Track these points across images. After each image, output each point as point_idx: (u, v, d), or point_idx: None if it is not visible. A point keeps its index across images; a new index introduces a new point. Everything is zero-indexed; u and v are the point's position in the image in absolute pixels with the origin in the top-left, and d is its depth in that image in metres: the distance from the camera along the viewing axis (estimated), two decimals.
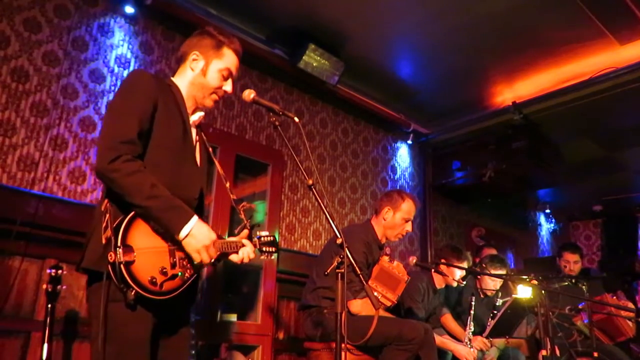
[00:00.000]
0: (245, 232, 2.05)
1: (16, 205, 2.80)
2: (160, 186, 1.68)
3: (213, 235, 1.77)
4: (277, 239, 2.23)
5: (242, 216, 2.07)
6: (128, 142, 1.66)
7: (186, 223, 1.69)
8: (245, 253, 1.99)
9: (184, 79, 1.98)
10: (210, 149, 2.11)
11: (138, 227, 1.67)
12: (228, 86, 2.02)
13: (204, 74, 1.97)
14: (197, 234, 1.71)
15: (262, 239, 2.15)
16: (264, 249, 2.14)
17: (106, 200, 1.70)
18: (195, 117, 2.00)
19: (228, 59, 2.01)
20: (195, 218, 1.72)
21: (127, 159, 1.64)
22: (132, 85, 1.81)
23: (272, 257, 2.18)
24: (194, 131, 1.99)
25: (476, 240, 5.78)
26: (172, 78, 2.00)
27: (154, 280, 1.63)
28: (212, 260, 1.82)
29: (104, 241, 1.63)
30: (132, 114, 1.71)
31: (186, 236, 1.69)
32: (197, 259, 1.74)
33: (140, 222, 1.68)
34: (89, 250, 1.72)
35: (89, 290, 1.74)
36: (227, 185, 2.11)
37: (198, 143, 2.01)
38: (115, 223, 1.63)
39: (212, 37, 2.01)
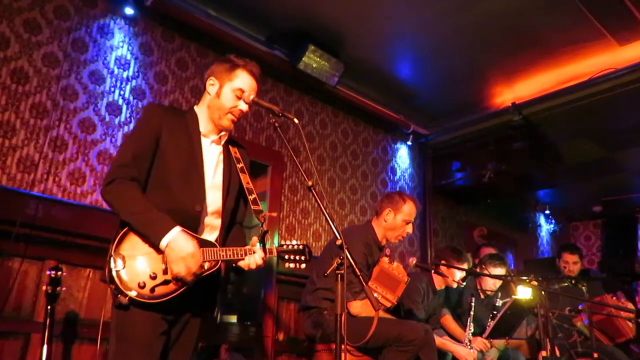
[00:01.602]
0: (255, 239, 2.07)
1: (16, 207, 2.80)
2: (144, 203, 1.84)
3: (190, 249, 1.81)
4: (309, 249, 2.16)
5: (264, 224, 2.11)
6: (122, 166, 1.88)
7: (166, 234, 1.79)
8: (252, 260, 2.01)
9: (203, 104, 2.13)
10: (242, 165, 2.18)
11: (132, 238, 1.83)
12: (243, 105, 2.10)
13: (218, 96, 2.09)
14: (175, 246, 1.79)
15: (286, 247, 2.13)
16: (285, 257, 2.11)
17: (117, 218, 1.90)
18: (215, 137, 2.11)
19: (241, 79, 2.10)
20: (176, 230, 1.81)
21: (120, 181, 1.85)
22: (140, 120, 2.08)
23: (302, 266, 2.13)
24: (216, 150, 2.11)
25: (478, 240, 5.77)
26: (194, 107, 2.16)
27: (143, 284, 1.76)
28: (196, 275, 1.86)
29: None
30: (131, 143, 1.97)
31: (166, 246, 1.79)
32: (174, 270, 1.79)
33: (134, 233, 1.85)
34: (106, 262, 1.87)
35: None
36: (252, 197, 2.15)
37: (221, 162, 2.12)
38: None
39: (228, 61, 2.13)
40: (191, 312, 1.99)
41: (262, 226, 2.09)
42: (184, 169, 1.98)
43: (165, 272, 1.81)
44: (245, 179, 2.17)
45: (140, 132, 1.99)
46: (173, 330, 1.94)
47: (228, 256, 1.98)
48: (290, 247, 2.12)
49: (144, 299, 1.76)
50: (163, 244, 1.79)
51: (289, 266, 2.11)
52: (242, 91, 2.08)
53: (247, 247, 2.03)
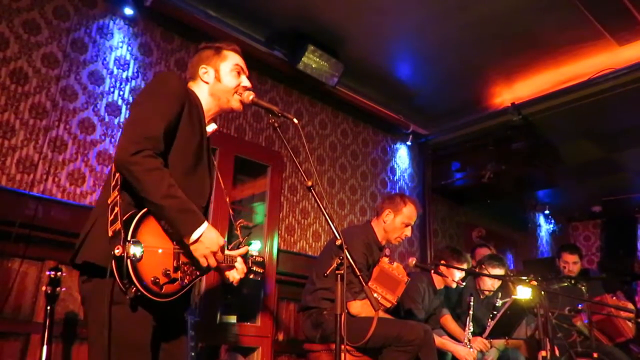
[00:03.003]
0: (246, 249, 2.04)
1: (15, 207, 2.80)
2: (177, 187, 1.66)
3: (221, 241, 1.77)
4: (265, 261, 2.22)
5: (238, 232, 2.07)
6: (152, 139, 1.64)
7: (197, 228, 1.68)
8: (236, 275, 2.00)
9: (203, 93, 2.00)
10: (216, 163, 2.13)
11: (148, 225, 1.65)
12: (245, 82, 2.06)
13: (218, 80, 2.01)
14: (205, 240, 1.69)
15: (254, 258, 2.14)
16: (253, 268, 2.13)
17: (116, 194, 1.66)
18: (210, 129, 2.03)
19: (232, 57, 2.07)
20: (206, 223, 1.71)
21: (148, 154, 1.61)
22: (164, 84, 1.83)
23: (258, 278, 2.16)
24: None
25: (476, 241, 5.78)
26: (191, 87, 2.01)
27: (157, 280, 1.60)
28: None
29: (110, 234, 1.59)
30: (161, 112, 1.72)
31: (195, 241, 1.68)
32: (203, 263, 1.74)
33: (151, 220, 1.67)
34: (90, 244, 1.68)
35: (86, 288, 1.69)
36: (227, 199, 2.15)
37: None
38: (126, 217, 1.61)
39: (209, 47, 2.08)
40: (178, 314, 1.92)
41: (246, 235, 2.07)
42: (195, 156, 1.86)
43: (175, 270, 1.69)
44: (221, 180, 2.15)
45: (168, 102, 1.76)
46: (162, 333, 1.79)
47: (226, 261, 1.93)
48: (256, 259, 2.15)
49: (153, 295, 1.59)
50: (194, 236, 1.66)
51: (250, 277, 2.12)
52: (239, 66, 2.06)
53: (235, 255, 1.99)
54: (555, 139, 5.38)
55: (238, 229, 2.08)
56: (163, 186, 1.61)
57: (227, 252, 1.96)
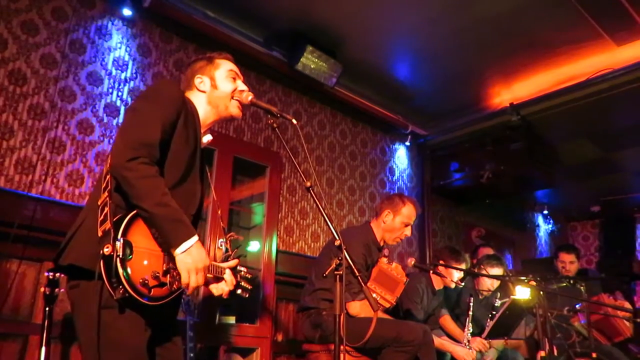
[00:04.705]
0: (236, 261, 2.02)
1: (14, 208, 2.79)
2: (170, 196, 1.64)
3: (207, 261, 1.72)
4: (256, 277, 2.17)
5: (228, 246, 2.06)
6: (149, 146, 1.64)
7: (186, 240, 1.64)
8: (225, 287, 1.97)
9: (200, 102, 2.00)
10: (208, 173, 2.12)
11: (139, 226, 1.63)
12: (242, 85, 2.07)
13: (215, 87, 2.02)
14: (193, 255, 1.65)
15: (244, 273, 2.11)
16: (242, 283, 2.09)
17: (106, 195, 1.64)
18: (205, 140, 2.02)
19: (225, 64, 2.08)
20: (196, 237, 1.68)
21: (144, 161, 1.60)
22: (162, 91, 1.83)
23: (246, 295, 2.11)
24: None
25: (476, 241, 5.79)
26: (189, 97, 1.98)
27: (146, 282, 1.56)
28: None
29: (100, 234, 1.56)
30: (158, 120, 1.70)
31: (182, 253, 1.64)
32: (185, 279, 1.66)
33: (141, 222, 1.64)
34: (76, 245, 1.66)
35: (74, 294, 1.67)
36: (219, 212, 2.13)
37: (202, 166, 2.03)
38: (116, 218, 1.59)
39: (201, 58, 2.09)
40: (170, 319, 1.89)
41: (234, 249, 2.04)
42: (188, 165, 1.84)
43: (165, 274, 1.65)
44: (214, 192, 2.13)
45: (165, 110, 1.74)
46: (155, 338, 1.77)
47: (214, 272, 1.91)
48: (245, 274, 2.12)
49: (141, 298, 1.54)
50: (182, 248, 1.62)
51: (237, 292, 2.07)
52: (234, 72, 2.06)
53: (224, 267, 1.97)
54: (553, 139, 5.39)
55: (228, 242, 2.06)
56: (157, 194, 1.60)
57: (216, 263, 1.94)
